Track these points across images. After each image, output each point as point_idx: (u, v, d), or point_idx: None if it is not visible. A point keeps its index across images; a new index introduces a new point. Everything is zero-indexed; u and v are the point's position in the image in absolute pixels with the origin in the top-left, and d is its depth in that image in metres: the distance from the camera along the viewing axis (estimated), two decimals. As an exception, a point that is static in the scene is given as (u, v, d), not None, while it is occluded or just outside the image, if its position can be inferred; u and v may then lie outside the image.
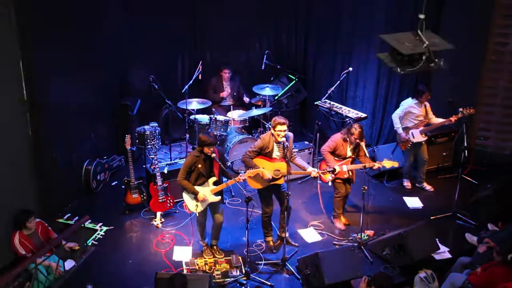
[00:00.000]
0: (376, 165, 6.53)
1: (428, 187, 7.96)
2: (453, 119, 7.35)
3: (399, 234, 6.05)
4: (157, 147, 7.58)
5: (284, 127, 6.06)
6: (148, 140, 7.73)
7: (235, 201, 7.53)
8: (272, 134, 6.14)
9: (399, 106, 7.83)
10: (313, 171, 6.39)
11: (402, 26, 8.34)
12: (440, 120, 7.56)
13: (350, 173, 6.73)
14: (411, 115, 7.58)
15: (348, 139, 6.58)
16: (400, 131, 7.66)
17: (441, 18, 8.16)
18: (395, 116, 7.69)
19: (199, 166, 6.02)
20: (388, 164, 6.57)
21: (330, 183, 6.72)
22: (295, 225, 7.01)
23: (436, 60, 6.21)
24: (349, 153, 6.67)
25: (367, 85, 9.02)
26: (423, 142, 7.73)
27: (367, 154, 6.66)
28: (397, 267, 6.11)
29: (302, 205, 7.52)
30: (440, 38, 7.22)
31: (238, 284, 5.94)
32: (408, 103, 7.61)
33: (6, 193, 6.00)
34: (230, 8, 9.29)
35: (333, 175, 6.62)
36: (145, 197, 7.30)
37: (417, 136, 7.60)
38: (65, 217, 7.05)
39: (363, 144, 6.51)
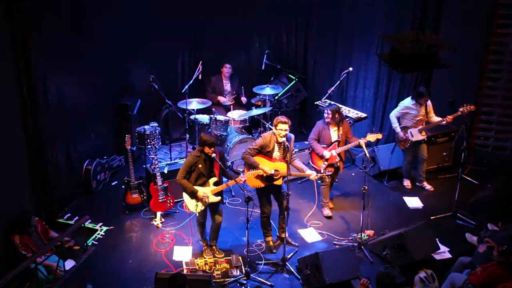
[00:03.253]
0: (361, 141, 6.62)
1: (428, 186, 7.96)
2: (449, 118, 7.33)
3: (399, 234, 6.05)
4: (157, 147, 7.58)
5: (286, 127, 6.07)
6: (148, 140, 7.73)
7: (235, 201, 7.53)
8: (274, 134, 6.15)
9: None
10: (311, 173, 6.41)
11: (402, 26, 8.37)
12: (438, 119, 7.55)
13: (338, 159, 6.87)
14: (409, 115, 7.58)
15: (326, 120, 6.83)
16: (398, 130, 7.66)
17: (441, 18, 8.16)
18: (392, 115, 7.70)
19: (200, 166, 6.02)
20: (372, 137, 6.71)
21: (322, 170, 6.84)
22: (295, 225, 7.01)
23: (436, 60, 6.24)
24: (334, 137, 6.86)
25: (367, 85, 9.02)
26: (423, 141, 7.73)
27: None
28: (397, 267, 6.11)
29: (302, 205, 7.52)
30: (440, 38, 7.26)
31: (238, 284, 5.94)
32: (406, 104, 7.60)
33: (6, 193, 5.99)
34: (230, 8, 9.29)
35: (325, 162, 6.78)
36: (145, 197, 7.30)
37: (416, 135, 7.59)
38: (65, 217, 7.05)
39: (362, 140, 6.59)
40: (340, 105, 8.47)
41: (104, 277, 6.02)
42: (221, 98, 9.00)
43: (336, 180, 7.36)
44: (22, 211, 5.93)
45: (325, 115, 6.85)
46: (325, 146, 6.88)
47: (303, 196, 7.75)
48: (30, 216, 5.87)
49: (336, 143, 6.87)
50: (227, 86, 9.09)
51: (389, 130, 8.77)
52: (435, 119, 7.59)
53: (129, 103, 8.41)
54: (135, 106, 8.53)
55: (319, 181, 7.11)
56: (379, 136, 6.80)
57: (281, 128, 6.06)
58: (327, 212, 7.22)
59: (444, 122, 7.46)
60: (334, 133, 6.88)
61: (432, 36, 6.61)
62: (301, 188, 7.97)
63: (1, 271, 5.33)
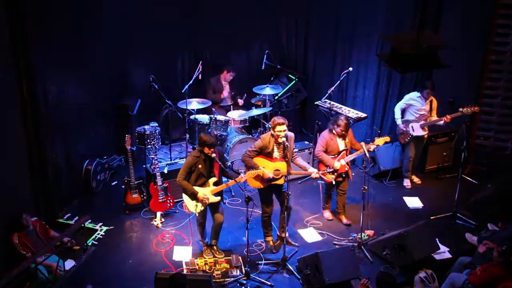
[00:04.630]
0: (372, 147, 6.56)
1: (415, 179, 8.04)
2: (448, 117, 7.33)
3: (399, 234, 6.05)
4: (157, 147, 7.58)
5: (284, 127, 6.04)
6: (148, 140, 7.73)
7: (235, 201, 7.53)
8: (272, 135, 6.14)
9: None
10: (313, 171, 6.39)
11: (402, 26, 8.37)
12: (437, 118, 7.56)
13: (347, 168, 6.74)
14: (413, 108, 7.59)
15: (334, 131, 6.65)
16: (398, 122, 7.67)
17: (441, 18, 8.17)
18: (397, 107, 7.73)
19: (200, 166, 6.01)
20: (380, 141, 6.64)
21: (333, 182, 6.74)
22: (295, 225, 7.00)
23: (436, 60, 6.23)
24: (341, 147, 6.72)
25: (367, 85, 9.01)
26: (425, 137, 7.73)
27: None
28: (397, 267, 6.11)
29: (302, 205, 7.52)
30: (440, 38, 7.26)
31: (238, 284, 5.94)
32: (410, 96, 7.64)
33: (6, 194, 5.99)
34: (230, 8, 9.29)
35: (334, 175, 6.63)
36: (145, 197, 7.30)
37: (417, 130, 7.59)
38: (65, 217, 7.05)
39: (363, 143, 6.53)
40: (340, 105, 8.51)
41: (104, 277, 6.02)
42: (223, 94, 8.97)
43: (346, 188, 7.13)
44: (13, 208, 5.93)
45: (337, 128, 6.61)
46: (332, 156, 6.72)
47: (304, 196, 7.75)
48: (19, 212, 5.86)
49: (344, 152, 6.72)
50: (226, 87, 9.09)
51: (389, 130, 8.78)
52: (434, 118, 7.60)
53: (129, 103, 8.41)
54: (135, 106, 8.54)
55: (320, 181, 7.07)
56: (387, 139, 6.75)
57: (280, 130, 6.03)
58: (327, 215, 7.16)
59: (442, 121, 7.47)
60: (341, 143, 6.73)
61: (432, 36, 6.61)
62: (301, 188, 7.97)
63: (1, 271, 5.34)
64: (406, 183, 8.02)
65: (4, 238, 5.79)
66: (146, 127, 7.86)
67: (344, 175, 6.81)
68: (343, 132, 6.64)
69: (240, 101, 9.05)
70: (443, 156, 8.29)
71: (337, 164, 6.66)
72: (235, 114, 8.61)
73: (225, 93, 9.01)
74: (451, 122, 7.50)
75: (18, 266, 5.08)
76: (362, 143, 6.55)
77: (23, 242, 5.74)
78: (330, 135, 6.73)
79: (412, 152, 7.81)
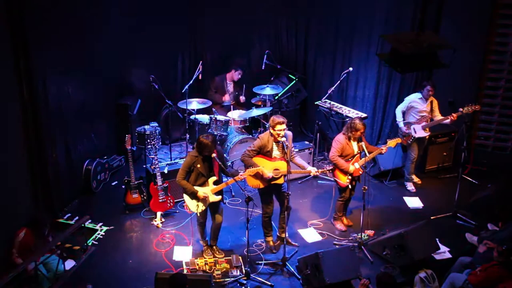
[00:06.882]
0: (384, 149, 6.52)
1: (415, 179, 8.03)
2: (454, 116, 7.30)
3: (399, 234, 6.05)
4: (157, 147, 7.58)
5: (284, 126, 6.03)
6: (148, 140, 7.73)
7: (235, 201, 7.53)
8: (271, 134, 6.13)
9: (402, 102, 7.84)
10: (312, 170, 6.37)
11: (402, 26, 8.37)
12: (442, 117, 7.53)
13: (362, 171, 6.61)
14: (414, 110, 7.57)
15: (351, 136, 6.50)
16: (401, 125, 7.65)
17: (441, 18, 8.17)
18: (398, 110, 7.70)
19: (198, 166, 6.01)
20: (392, 143, 6.63)
21: (350, 186, 6.60)
22: (295, 225, 7.00)
23: (436, 60, 6.23)
24: (356, 150, 6.56)
25: (367, 85, 9.01)
26: (426, 138, 7.73)
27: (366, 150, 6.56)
28: (397, 267, 6.11)
29: (302, 205, 7.52)
30: (440, 38, 7.26)
31: (238, 284, 5.94)
32: (412, 98, 7.62)
33: (6, 194, 5.99)
34: (230, 8, 9.29)
35: (349, 178, 6.55)
36: (145, 197, 7.30)
37: (419, 131, 7.57)
38: (65, 217, 7.05)
39: (363, 143, 6.51)
40: (340, 105, 8.51)
41: (104, 277, 6.03)
42: (226, 97, 8.97)
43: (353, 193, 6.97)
44: (12, 208, 5.95)
45: (356, 133, 6.43)
46: (347, 160, 6.55)
47: (303, 196, 7.75)
48: (45, 222, 5.95)
49: (359, 155, 6.57)
50: (230, 86, 9.08)
51: (390, 130, 8.79)
52: (440, 117, 7.56)
53: (129, 103, 8.41)
54: (135, 106, 8.53)
55: (322, 182, 7.03)
56: (399, 140, 6.76)
57: (280, 129, 6.02)
58: (340, 226, 6.98)
59: (449, 120, 7.42)
60: (355, 146, 6.58)
61: (432, 36, 6.60)
62: (301, 188, 7.96)
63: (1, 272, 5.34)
64: (410, 187, 7.94)
65: (4, 239, 5.79)
66: (146, 127, 7.87)
67: (356, 179, 6.68)
68: (363, 133, 6.49)
69: (242, 98, 9.03)
70: (443, 156, 8.28)
71: (352, 168, 6.50)
72: (235, 114, 8.60)
73: (226, 97, 8.97)
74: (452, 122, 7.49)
75: (17, 267, 5.07)
76: (362, 143, 6.51)
77: (25, 241, 5.73)
78: (345, 140, 6.53)
79: (415, 153, 7.77)
